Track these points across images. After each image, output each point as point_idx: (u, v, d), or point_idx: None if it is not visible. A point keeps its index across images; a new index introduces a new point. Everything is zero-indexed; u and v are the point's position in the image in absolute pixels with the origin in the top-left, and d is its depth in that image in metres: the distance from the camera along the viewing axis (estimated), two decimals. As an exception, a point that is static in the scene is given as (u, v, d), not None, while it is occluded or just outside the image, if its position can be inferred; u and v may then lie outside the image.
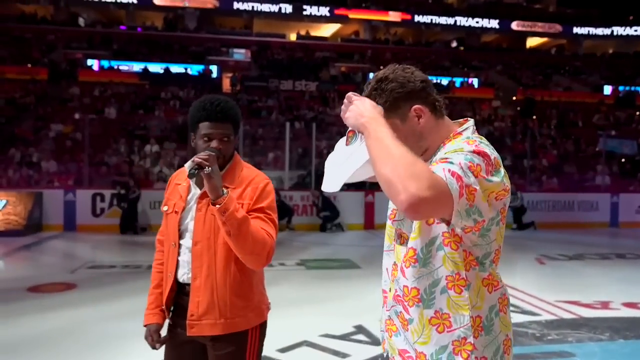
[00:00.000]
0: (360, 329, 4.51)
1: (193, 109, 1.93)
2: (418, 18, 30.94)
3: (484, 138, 1.34)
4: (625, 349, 4.06)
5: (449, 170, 1.17)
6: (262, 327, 1.98)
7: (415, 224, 1.32)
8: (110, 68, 22.58)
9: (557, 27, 32.88)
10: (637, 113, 23.50)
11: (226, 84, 23.20)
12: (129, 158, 13.79)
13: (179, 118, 16.33)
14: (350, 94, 1.34)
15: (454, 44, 31.95)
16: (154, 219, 11.16)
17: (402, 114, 1.35)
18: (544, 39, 34.27)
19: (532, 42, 34.40)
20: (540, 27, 32.84)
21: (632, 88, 26.45)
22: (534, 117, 23.02)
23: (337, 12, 30.23)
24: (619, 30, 33.07)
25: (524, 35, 33.33)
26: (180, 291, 1.95)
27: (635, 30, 33.00)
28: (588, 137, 19.72)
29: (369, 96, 1.36)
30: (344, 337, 4.29)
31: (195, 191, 1.94)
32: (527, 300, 5.48)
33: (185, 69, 23.07)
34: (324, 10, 30.07)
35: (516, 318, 4.76)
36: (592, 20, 33.13)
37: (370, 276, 6.65)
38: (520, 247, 9.36)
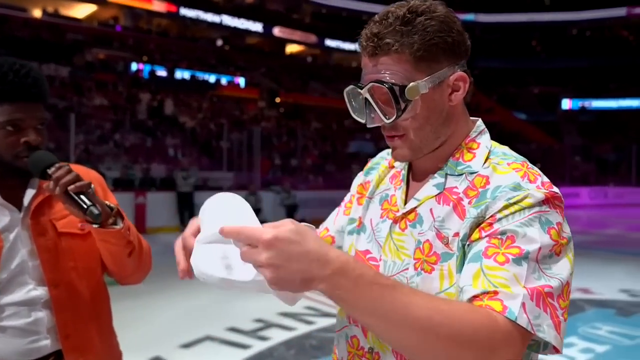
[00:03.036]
0: (160, 361, 3.86)
1: None
2: (184, 12, 29.95)
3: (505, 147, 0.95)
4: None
5: (534, 294, 0.75)
6: None
7: None
8: None
9: (313, 38, 35.76)
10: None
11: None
12: None
13: None
14: (245, 230, 0.69)
15: (220, 42, 31.96)
16: None
17: (434, 77, 0.86)
18: (302, 47, 36.91)
19: (291, 48, 36.71)
20: (298, 35, 35.20)
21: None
22: (297, 119, 24.61)
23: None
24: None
25: (284, 41, 35.31)
26: None
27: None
28: (342, 139, 21.98)
29: (381, 37, 0.85)
30: (142, 375, 3.61)
31: (14, 214, 1.29)
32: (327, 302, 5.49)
33: None
34: (77, -12, 26.72)
35: (321, 322, 4.75)
36: (341, 35, 37.01)
37: (155, 293, 5.90)
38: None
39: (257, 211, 13.14)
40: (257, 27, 32.96)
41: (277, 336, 4.43)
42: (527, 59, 39.05)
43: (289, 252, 0.67)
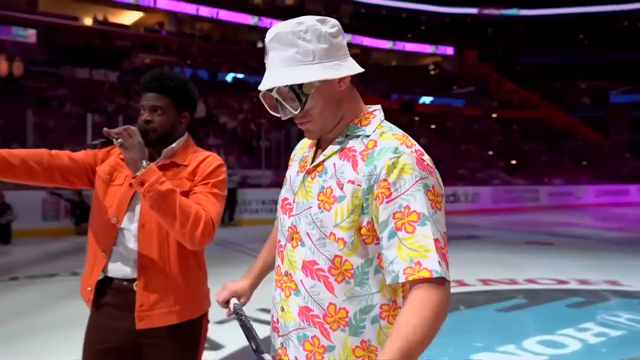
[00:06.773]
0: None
1: None
2: (224, 15, 30.74)
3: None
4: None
5: (438, 250, 1.05)
6: (206, 314, 1.83)
7: (348, 237, 1.12)
8: None
9: (350, 38, 35.93)
10: (416, 118, 27.16)
11: (3, 67, 19.90)
12: None
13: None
14: None
15: (260, 45, 32.62)
16: None
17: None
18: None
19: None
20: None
21: (413, 97, 30.45)
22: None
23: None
24: (400, 45, 37.68)
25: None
26: (106, 287, 1.72)
27: (413, 47, 38.00)
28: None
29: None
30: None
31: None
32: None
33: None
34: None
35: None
36: (380, 35, 37.01)
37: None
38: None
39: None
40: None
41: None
42: (573, 53, 37.91)
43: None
